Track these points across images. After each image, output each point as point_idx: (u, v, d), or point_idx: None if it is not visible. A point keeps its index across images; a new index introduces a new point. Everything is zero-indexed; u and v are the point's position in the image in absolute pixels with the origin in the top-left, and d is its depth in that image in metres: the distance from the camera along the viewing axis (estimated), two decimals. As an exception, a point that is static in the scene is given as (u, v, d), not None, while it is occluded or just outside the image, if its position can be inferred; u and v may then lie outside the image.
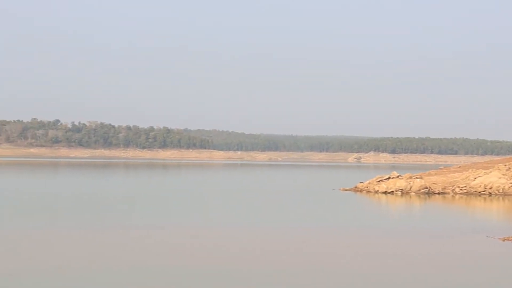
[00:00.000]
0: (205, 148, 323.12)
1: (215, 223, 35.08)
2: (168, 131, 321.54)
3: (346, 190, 64.27)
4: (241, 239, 29.08)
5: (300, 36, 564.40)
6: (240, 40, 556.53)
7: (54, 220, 34.86)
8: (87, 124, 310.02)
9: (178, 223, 35.03)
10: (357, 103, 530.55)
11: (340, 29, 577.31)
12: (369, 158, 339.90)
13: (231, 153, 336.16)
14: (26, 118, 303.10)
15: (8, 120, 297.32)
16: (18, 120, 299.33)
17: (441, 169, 73.49)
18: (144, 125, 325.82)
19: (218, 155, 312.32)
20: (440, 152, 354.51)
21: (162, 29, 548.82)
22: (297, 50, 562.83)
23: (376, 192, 60.88)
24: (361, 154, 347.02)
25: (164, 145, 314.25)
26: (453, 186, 61.55)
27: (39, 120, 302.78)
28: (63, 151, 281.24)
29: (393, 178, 62.77)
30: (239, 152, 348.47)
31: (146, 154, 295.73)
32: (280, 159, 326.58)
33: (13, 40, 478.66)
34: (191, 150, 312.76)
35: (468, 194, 59.87)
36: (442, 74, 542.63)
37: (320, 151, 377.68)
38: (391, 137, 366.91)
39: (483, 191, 60.12)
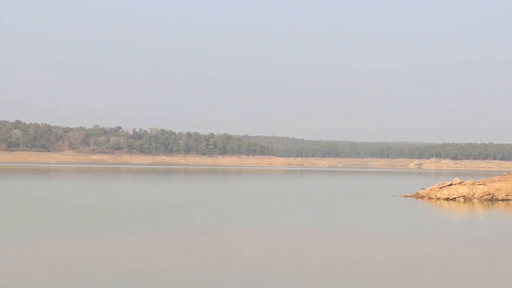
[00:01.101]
0: (265, 154, 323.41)
1: (279, 228, 34.96)
2: (228, 137, 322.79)
3: (407, 196, 63.60)
4: (302, 243, 29.00)
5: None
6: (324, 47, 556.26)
7: (119, 227, 35.13)
8: (148, 130, 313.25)
9: (238, 228, 35.02)
10: (418, 108, 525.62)
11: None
12: (430, 164, 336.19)
13: (291, 160, 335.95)
14: (89, 125, 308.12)
15: (71, 127, 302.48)
16: (81, 127, 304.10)
17: (504, 175, 72.19)
18: (204, 131, 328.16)
19: (278, 162, 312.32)
20: (503, 158, 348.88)
21: (231, 38, 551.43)
22: (367, 56, 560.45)
23: (438, 198, 60.09)
24: (422, 161, 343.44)
25: (224, 151, 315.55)
26: (517, 192, 60.40)
27: (101, 127, 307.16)
28: (125, 158, 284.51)
29: (455, 184, 61.87)
30: (299, 159, 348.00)
31: (206, 160, 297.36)
32: (340, 165, 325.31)
33: (81, 53, 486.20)
34: (251, 157, 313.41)
35: (532, 200, 58.71)
36: (504, 77, 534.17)
37: (381, 157, 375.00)
38: (453, 143, 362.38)
39: (548, 198, 58.89)
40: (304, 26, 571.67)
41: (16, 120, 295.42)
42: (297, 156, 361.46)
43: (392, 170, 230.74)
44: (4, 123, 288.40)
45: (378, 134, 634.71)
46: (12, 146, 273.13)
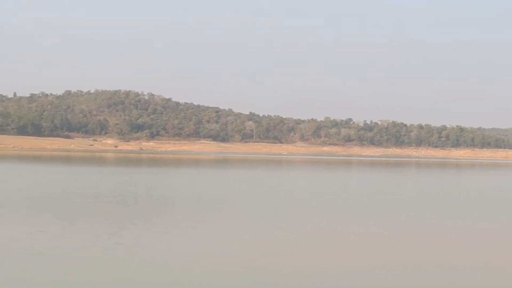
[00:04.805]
0: (500, 147, 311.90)
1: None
2: (461, 129, 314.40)
3: None
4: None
5: None
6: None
7: (351, 217, 34.22)
8: (379, 123, 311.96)
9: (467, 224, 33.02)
10: None
11: None
12: None
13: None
14: (320, 117, 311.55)
15: (302, 119, 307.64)
16: (312, 119, 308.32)
17: None
18: (436, 123, 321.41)
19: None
20: None
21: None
22: None
23: None
24: None
25: (457, 144, 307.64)
26: None
27: (332, 119, 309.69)
28: (355, 150, 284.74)
29: None
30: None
31: (438, 153, 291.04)
32: None
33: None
34: (485, 150, 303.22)
35: None
36: None
37: None
38: None
39: None
40: None
41: (250, 112, 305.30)
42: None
43: None
44: (239, 115, 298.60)
45: None
46: (246, 137, 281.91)
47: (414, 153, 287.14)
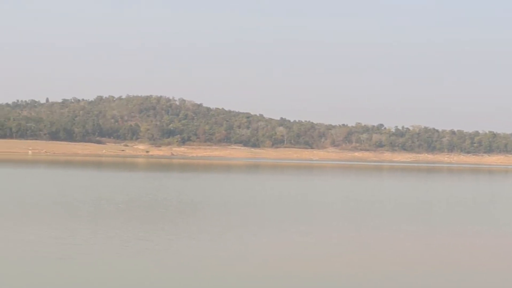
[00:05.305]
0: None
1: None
2: (493, 135, 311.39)
3: None
4: None
5: None
6: None
7: (371, 223, 33.94)
8: (411, 128, 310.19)
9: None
10: None
11: None
12: None
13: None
14: (351, 123, 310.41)
15: (333, 124, 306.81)
16: (343, 125, 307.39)
17: None
18: (468, 129, 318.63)
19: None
20: None
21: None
22: None
23: None
24: None
25: (489, 150, 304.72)
26: None
27: (363, 124, 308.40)
28: (387, 155, 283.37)
29: None
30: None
31: (471, 159, 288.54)
32: None
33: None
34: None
35: None
36: None
37: None
38: None
39: None
40: None
41: (281, 118, 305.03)
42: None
43: None
44: (270, 120, 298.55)
45: None
46: (277, 143, 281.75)
47: (446, 159, 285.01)
